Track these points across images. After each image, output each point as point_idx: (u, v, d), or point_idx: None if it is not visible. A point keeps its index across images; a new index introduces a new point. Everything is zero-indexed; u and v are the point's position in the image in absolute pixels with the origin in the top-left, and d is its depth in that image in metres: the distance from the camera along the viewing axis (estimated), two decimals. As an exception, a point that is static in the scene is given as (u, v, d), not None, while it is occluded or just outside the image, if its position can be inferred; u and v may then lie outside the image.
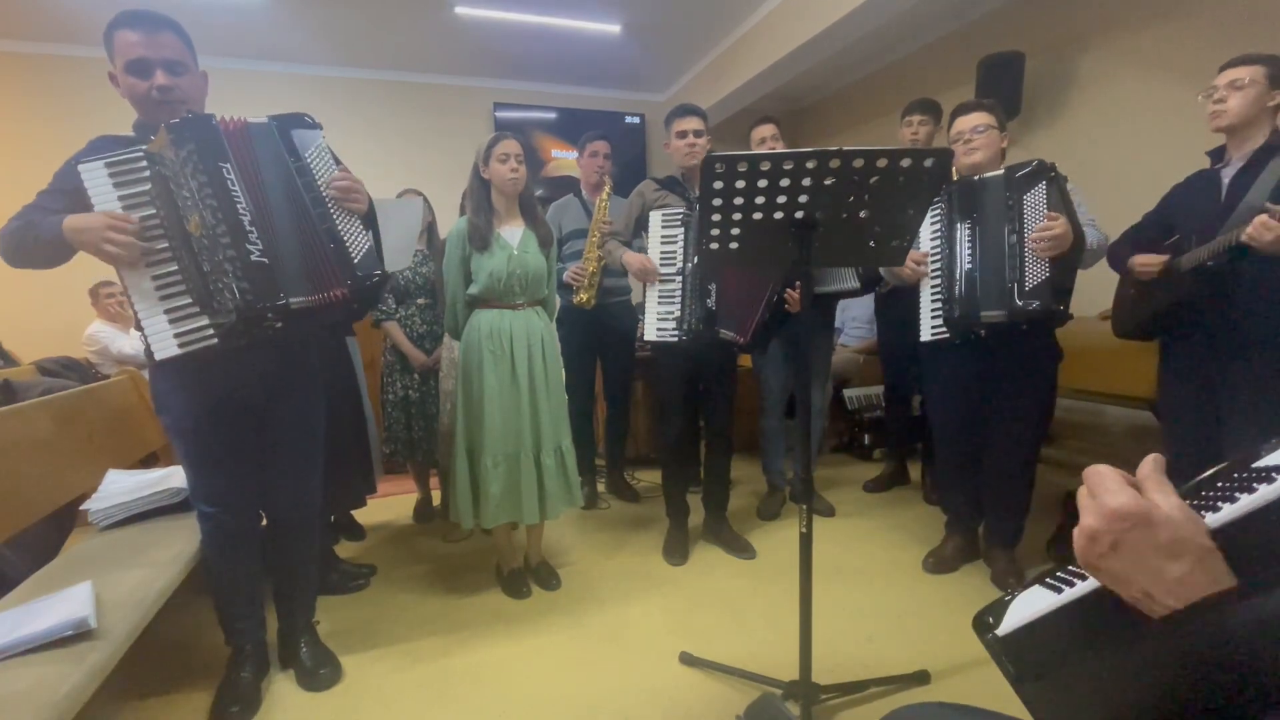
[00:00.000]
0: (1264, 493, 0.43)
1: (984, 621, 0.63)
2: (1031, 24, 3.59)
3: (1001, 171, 1.90)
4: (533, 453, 2.04)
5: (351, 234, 1.43)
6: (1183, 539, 0.43)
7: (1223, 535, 0.43)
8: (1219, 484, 0.47)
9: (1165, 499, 0.45)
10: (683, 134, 2.22)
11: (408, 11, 3.88)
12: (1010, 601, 0.63)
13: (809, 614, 1.42)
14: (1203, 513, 0.46)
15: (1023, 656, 0.58)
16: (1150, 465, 0.48)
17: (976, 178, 1.95)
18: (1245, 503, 0.44)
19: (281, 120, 1.42)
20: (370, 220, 1.50)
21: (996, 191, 1.91)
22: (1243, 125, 1.69)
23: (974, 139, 1.95)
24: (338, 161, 1.48)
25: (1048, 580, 0.60)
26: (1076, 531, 0.49)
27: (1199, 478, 0.49)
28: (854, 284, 2.45)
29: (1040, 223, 1.79)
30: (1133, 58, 3.16)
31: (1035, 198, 1.83)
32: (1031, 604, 0.60)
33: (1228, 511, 0.44)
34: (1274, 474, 0.43)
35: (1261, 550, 0.42)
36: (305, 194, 1.40)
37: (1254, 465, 0.46)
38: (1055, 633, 0.56)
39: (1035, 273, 1.81)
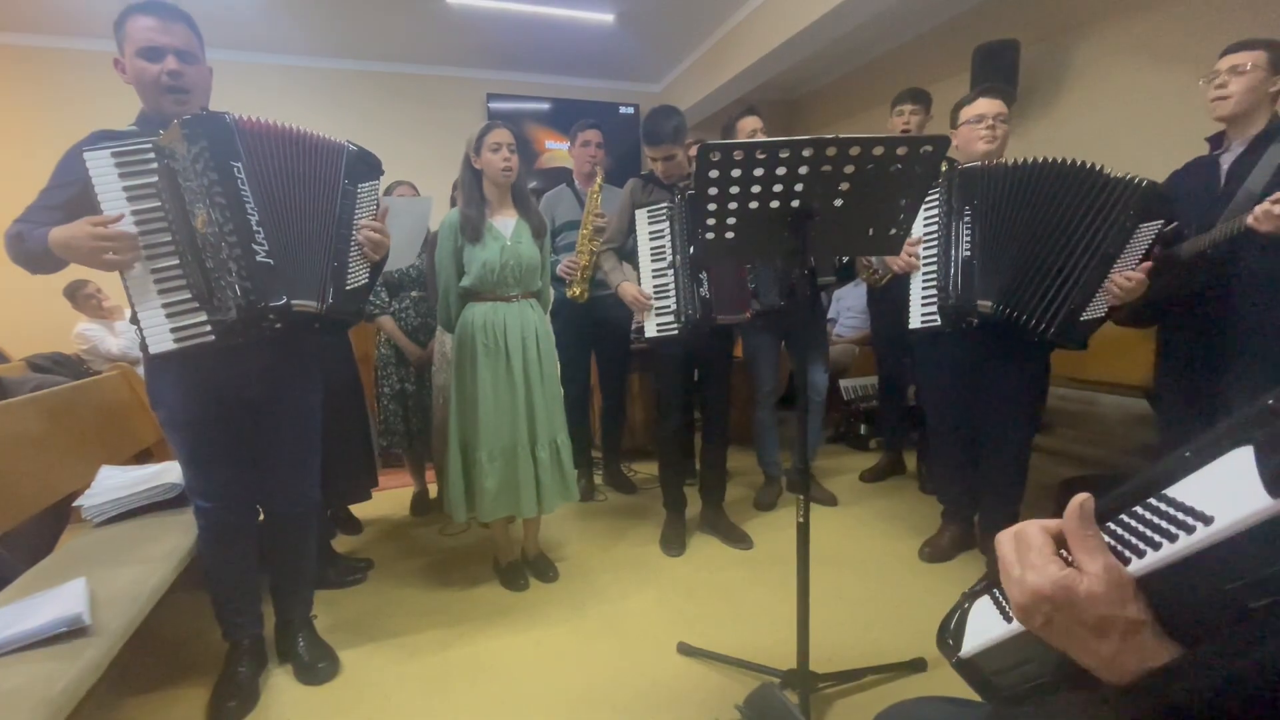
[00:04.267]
0: (1183, 544, 0.39)
1: (945, 641, 0.60)
2: (1026, 12, 3.58)
3: (1145, 182, 1.65)
4: (528, 446, 2.03)
5: (356, 268, 1.52)
6: (1107, 616, 0.41)
7: (1147, 587, 0.41)
8: (1137, 510, 0.44)
9: (1091, 561, 0.42)
10: (654, 160, 2.24)
11: (399, 1, 3.84)
12: (968, 610, 0.60)
13: (806, 603, 1.42)
14: (1129, 555, 0.42)
15: (986, 683, 0.56)
16: (1075, 516, 0.44)
17: (1080, 163, 1.73)
18: (1164, 554, 0.40)
19: (358, 151, 1.53)
20: (376, 270, 1.61)
21: (1110, 195, 1.67)
22: (1244, 111, 1.67)
23: (997, 126, 1.91)
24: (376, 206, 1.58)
25: (995, 592, 0.57)
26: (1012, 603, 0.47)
27: (1117, 494, 0.45)
28: (830, 275, 2.47)
29: (1136, 270, 1.65)
30: (1127, 45, 3.15)
31: (1144, 233, 1.65)
32: (984, 620, 0.56)
33: (1150, 560, 0.41)
34: (1187, 517, 0.39)
35: (1191, 609, 0.39)
36: (340, 216, 1.48)
37: (1167, 493, 0.42)
38: (1012, 662, 0.53)
39: (1097, 308, 1.71)
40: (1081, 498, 0.44)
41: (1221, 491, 0.37)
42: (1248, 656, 0.34)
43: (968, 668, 0.57)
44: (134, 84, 1.39)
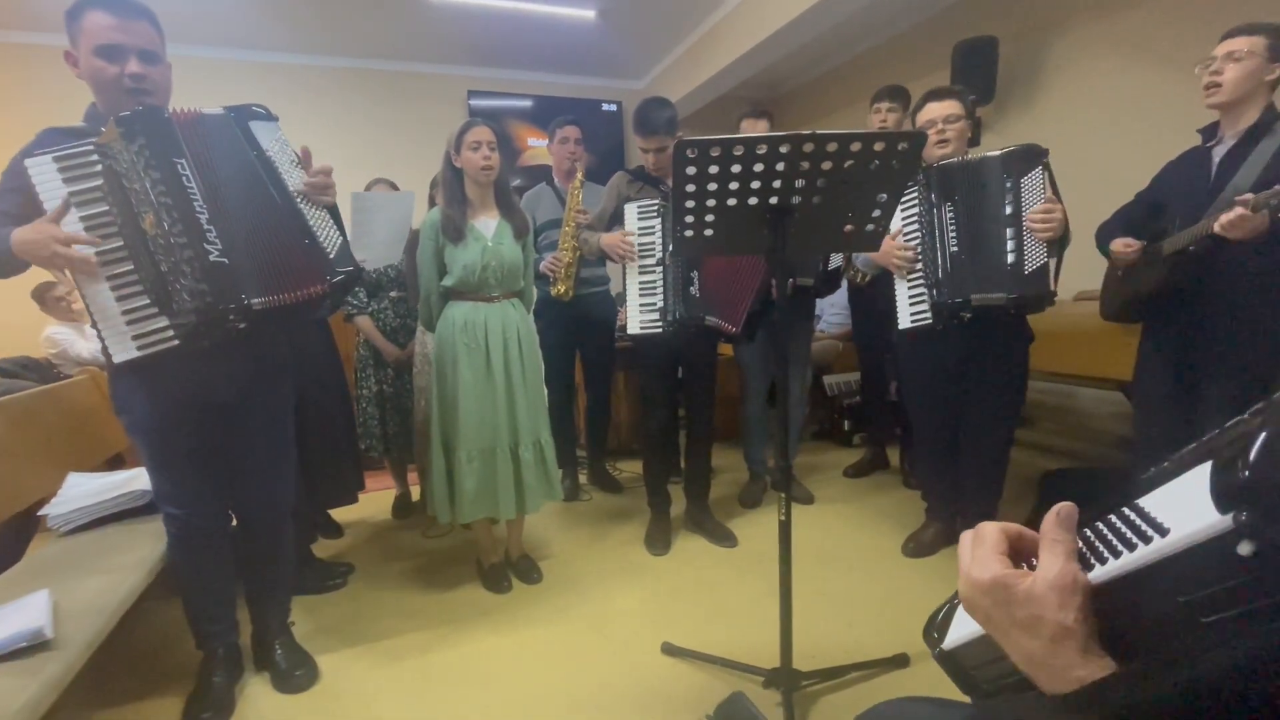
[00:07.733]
0: (1139, 554, 0.38)
1: (931, 634, 0.60)
2: (1005, 9, 3.60)
3: (999, 153, 1.86)
4: (510, 447, 2.01)
5: (324, 229, 1.41)
6: (1039, 616, 0.41)
7: (1104, 594, 0.40)
8: (1111, 517, 0.43)
9: (1051, 563, 0.42)
10: (646, 151, 2.20)
11: (377, -4, 3.79)
12: (957, 605, 0.59)
13: (789, 601, 1.42)
14: (1094, 561, 0.42)
15: (965, 674, 0.56)
16: (1053, 521, 0.44)
17: (970, 158, 1.91)
18: (1121, 563, 0.39)
19: (238, 111, 1.37)
20: (336, 214, 1.48)
21: (992, 173, 1.86)
22: (1238, 101, 1.62)
23: (947, 129, 1.93)
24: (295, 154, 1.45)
25: None
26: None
27: (1099, 502, 0.46)
28: (809, 280, 2.46)
29: (1037, 205, 1.77)
30: (1106, 42, 3.18)
31: (1032, 181, 1.81)
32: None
33: (1108, 569, 0.41)
34: (1148, 528, 0.39)
35: (1146, 620, 0.39)
36: (272, 188, 1.36)
37: (1139, 503, 0.42)
38: (989, 657, 0.52)
39: (1035, 256, 1.79)
40: (1065, 505, 0.44)
41: (1184, 505, 0.38)
42: (1190, 671, 0.33)
43: (949, 661, 0.58)
44: (89, 81, 1.33)
